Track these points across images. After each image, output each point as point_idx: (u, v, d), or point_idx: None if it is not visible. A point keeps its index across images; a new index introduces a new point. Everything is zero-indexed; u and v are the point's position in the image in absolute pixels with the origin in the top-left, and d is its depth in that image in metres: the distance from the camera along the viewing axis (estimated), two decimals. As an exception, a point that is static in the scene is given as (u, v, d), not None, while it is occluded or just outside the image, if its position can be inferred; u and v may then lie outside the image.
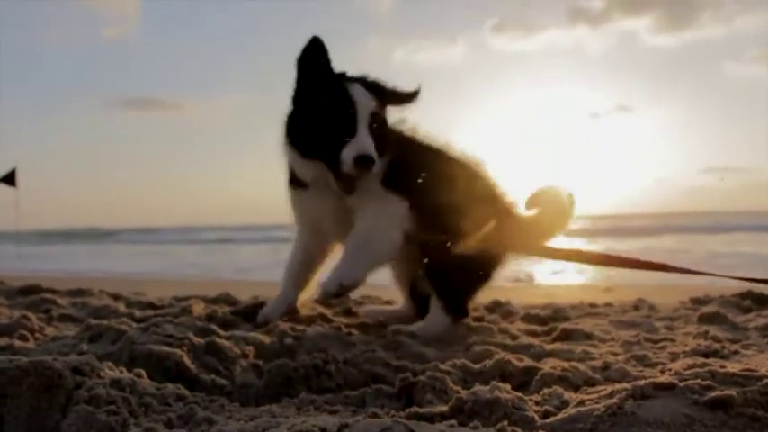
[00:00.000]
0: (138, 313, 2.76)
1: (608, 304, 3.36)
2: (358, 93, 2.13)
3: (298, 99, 2.22)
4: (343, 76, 2.20)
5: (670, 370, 1.55)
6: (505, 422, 1.24)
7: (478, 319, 2.62)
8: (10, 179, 11.87)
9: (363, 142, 2.06)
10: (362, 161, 2.04)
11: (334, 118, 2.10)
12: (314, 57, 2.15)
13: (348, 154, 2.05)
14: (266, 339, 2.08)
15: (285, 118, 2.25)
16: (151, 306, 3.10)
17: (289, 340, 2.08)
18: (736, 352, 1.88)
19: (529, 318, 2.78)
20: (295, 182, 2.33)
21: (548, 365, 1.71)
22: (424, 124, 2.40)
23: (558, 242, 2.45)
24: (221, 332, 2.12)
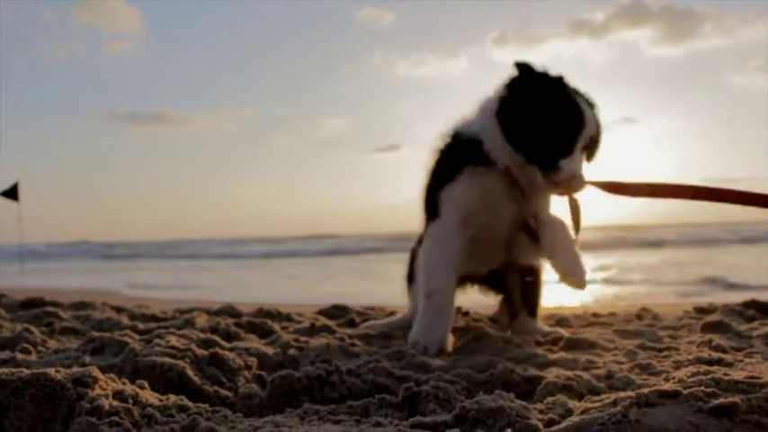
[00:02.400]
0: (141, 326, 2.76)
1: (612, 314, 3.36)
2: (588, 112, 2.20)
3: (524, 103, 2.21)
4: (566, 85, 2.24)
5: (674, 378, 1.54)
6: (509, 430, 1.24)
7: (482, 329, 2.61)
8: (12, 193, 11.90)
9: (579, 164, 2.18)
10: (575, 181, 2.18)
11: (562, 131, 2.16)
12: (531, 71, 2.22)
13: (566, 166, 2.15)
14: (269, 350, 2.08)
15: (504, 115, 2.23)
16: (154, 318, 3.10)
17: (292, 351, 2.08)
18: (740, 360, 1.88)
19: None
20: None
21: (552, 374, 1.70)
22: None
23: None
24: (224, 344, 2.12)
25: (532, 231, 2.34)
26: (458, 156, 2.33)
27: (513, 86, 2.24)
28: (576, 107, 2.18)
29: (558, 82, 2.23)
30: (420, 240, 2.67)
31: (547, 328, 2.69)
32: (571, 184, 2.18)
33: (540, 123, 2.16)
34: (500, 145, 2.23)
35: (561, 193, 2.27)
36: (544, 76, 2.22)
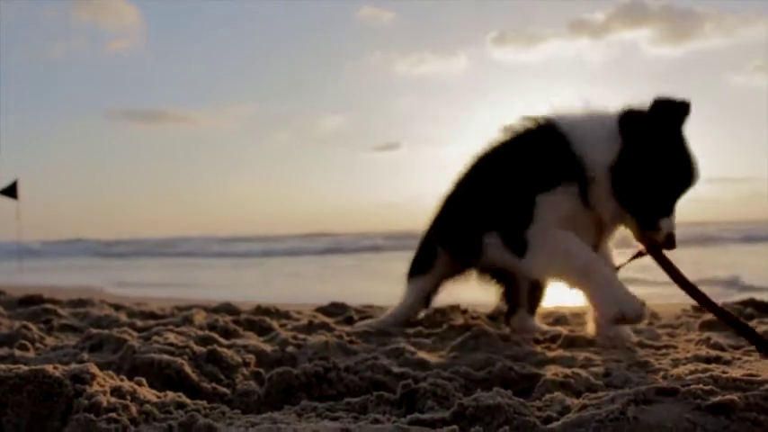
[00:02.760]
0: (139, 323, 2.76)
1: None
2: (699, 171, 2.13)
3: (644, 150, 2.11)
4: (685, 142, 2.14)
5: (672, 376, 1.54)
6: (507, 427, 1.24)
7: (480, 327, 2.61)
8: (11, 191, 11.88)
9: (674, 222, 2.12)
10: (670, 243, 2.11)
11: (675, 188, 2.12)
12: (674, 118, 2.11)
13: (666, 226, 2.10)
14: (268, 348, 2.07)
15: (617, 161, 2.12)
16: (152, 316, 3.10)
17: (290, 348, 2.08)
18: (737, 358, 1.88)
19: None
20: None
21: (550, 372, 1.70)
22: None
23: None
24: (222, 341, 2.12)
25: None
26: (556, 157, 2.20)
27: (638, 131, 2.12)
28: (694, 166, 2.11)
29: (681, 135, 2.13)
30: (433, 223, 2.66)
31: (545, 326, 2.69)
32: (665, 245, 2.12)
33: (656, 182, 2.09)
34: (604, 186, 2.15)
35: (646, 245, 2.18)
36: (671, 126, 2.11)
